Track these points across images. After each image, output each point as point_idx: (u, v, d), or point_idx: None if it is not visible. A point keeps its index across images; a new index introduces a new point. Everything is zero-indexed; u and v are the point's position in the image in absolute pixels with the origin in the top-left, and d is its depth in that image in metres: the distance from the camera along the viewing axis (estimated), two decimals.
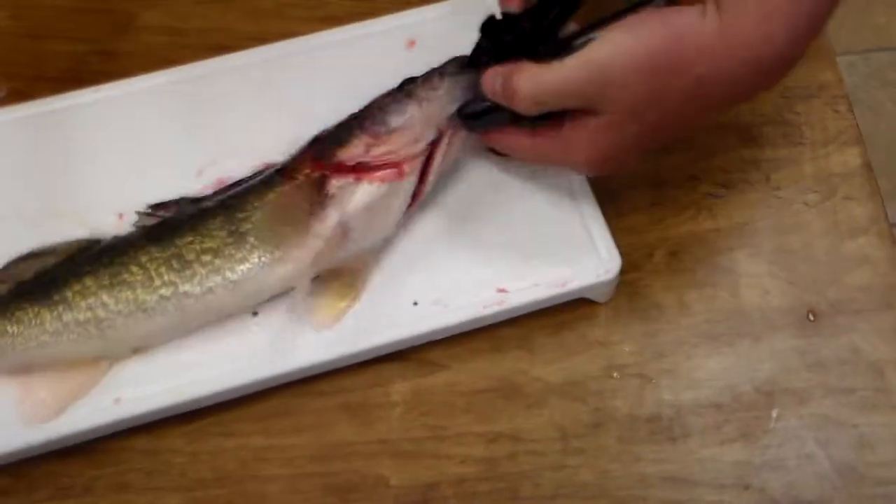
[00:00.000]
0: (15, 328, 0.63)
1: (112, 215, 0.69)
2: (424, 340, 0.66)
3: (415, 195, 0.67)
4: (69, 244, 0.67)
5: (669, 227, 0.72)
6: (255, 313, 0.66)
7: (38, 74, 0.78)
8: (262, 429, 0.65)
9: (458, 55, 0.67)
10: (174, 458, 0.64)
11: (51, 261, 0.67)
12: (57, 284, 0.64)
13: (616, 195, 0.72)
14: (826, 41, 0.79)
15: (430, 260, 0.67)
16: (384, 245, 0.68)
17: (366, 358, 0.66)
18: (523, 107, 0.62)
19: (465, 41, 0.69)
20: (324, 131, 0.69)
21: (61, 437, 0.62)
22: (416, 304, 0.66)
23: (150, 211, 0.68)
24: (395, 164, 0.66)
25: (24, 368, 0.64)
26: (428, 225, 0.69)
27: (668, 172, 0.74)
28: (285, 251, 0.65)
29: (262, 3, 0.81)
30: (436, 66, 0.68)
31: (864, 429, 0.65)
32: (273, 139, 0.69)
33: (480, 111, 0.66)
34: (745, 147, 0.75)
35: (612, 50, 0.58)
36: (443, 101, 0.66)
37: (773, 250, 0.71)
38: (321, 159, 0.67)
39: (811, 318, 0.69)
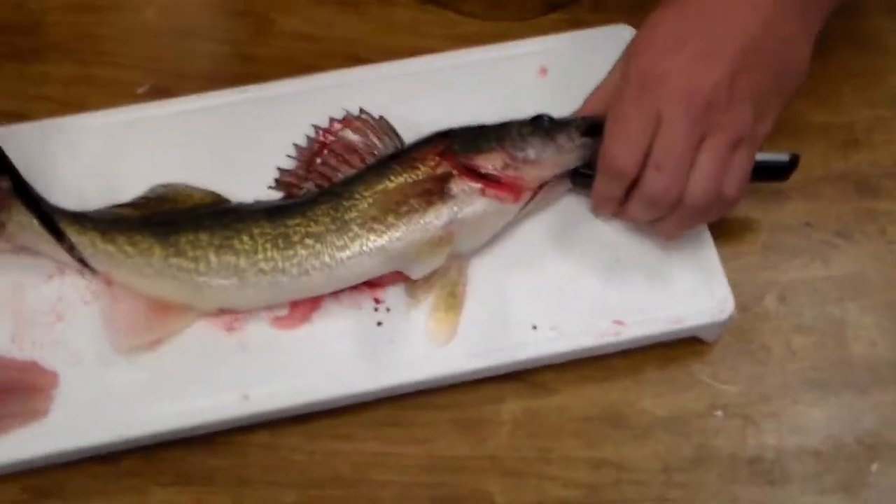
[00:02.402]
0: (130, 249, 0.68)
1: None
2: (539, 364, 0.69)
3: None
4: (204, 192, 0.72)
5: (781, 271, 0.74)
6: (379, 323, 0.68)
7: (180, 72, 0.81)
8: (375, 435, 0.68)
9: (594, 118, 0.69)
10: (292, 455, 0.68)
11: (183, 204, 0.71)
12: (176, 228, 0.69)
13: (732, 236, 0.74)
14: None
15: (550, 286, 0.70)
16: (473, 255, 0.71)
17: (482, 376, 0.68)
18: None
19: (596, 72, 0.72)
20: (453, 131, 0.72)
21: (189, 426, 0.66)
22: (535, 328, 0.68)
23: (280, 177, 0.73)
24: (517, 190, 0.69)
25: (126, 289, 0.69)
26: (551, 253, 0.71)
27: (784, 217, 0.76)
28: (388, 242, 0.68)
29: (397, 17, 0.84)
30: (574, 118, 0.71)
31: None
32: None
33: (590, 176, 0.69)
34: (863, 198, 0.77)
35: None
36: (574, 155, 0.69)
37: (884, 303, 0.73)
38: (456, 157, 0.69)
39: None
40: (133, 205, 0.72)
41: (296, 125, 0.74)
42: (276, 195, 0.73)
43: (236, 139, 0.76)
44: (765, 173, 0.68)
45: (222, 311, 0.69)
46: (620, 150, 0.64)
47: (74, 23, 0.83)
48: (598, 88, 0.72)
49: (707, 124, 0.62)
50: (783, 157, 0.70)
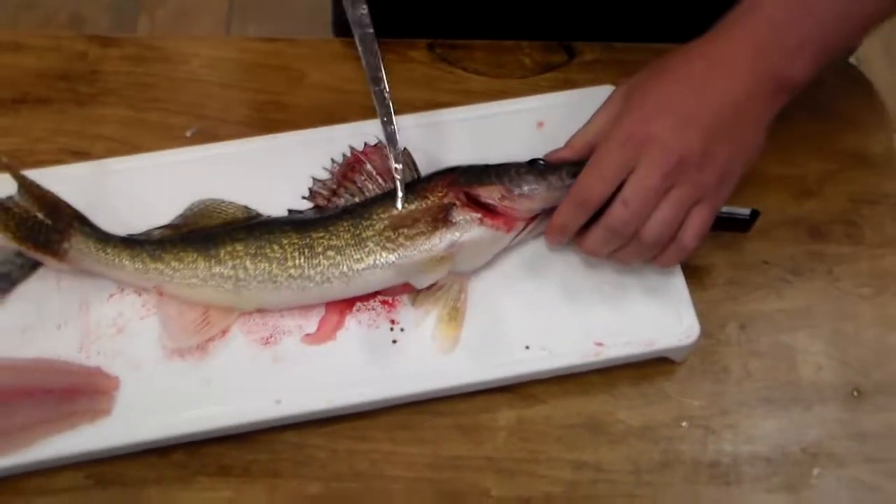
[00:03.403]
0: (176, 264, 0.79)
1: None
2: (531, 379, 0.80)
3: None
4: (236, 207, 0.83)
5: (742, 303, 0.85)
6: (394, 341, 0.79)
7: (223, 118, 0.92)
8: (388, 437, 0.79)
9: (582, 163, 0.79)
10: (317, 452, 0.78)
11: (218, 218, 0.82)
12: (215, 241, 0.80)
13: (700, 271, 0.85)
14: (893, 155, 0.91)
15: (541, 311, 0.81)
16: (473, 275, 0.82)
17: (481, 388, 0.79)
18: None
19: None
20: (459, 168, 0.84)
21: (230, 426, 0.76)
22: (527, 347, 0.79)
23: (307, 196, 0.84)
24: (510, 221, 0.80)
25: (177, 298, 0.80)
26: (542, 282, 0.82)
27: (746, 256, 0.86)
28: (398, 258, 0.79)
29: (413, 74, 0.95)
30: (564, 163, 0.81)
31: (892, 495, 0.77)
32: None
33: None
34: (814, 241, 0.87)
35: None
36: (562, 192, 0.79)
37: (830, 333, 0.84)
38: (460, 188, 0.81)
39: (856, 394, 0.81)
40: (172, 226, 0.82)
41: (320, 165, 0.85)
42: (307, 205, 0.84)
43: (266, 177, 0.86)
44: (729, 225, 0.79)
45: (259, 311, 0.80)
46: (594, 182, 0.75)
47: (129, 72, 0.94)
48: (583, 131, 0.81)
49: (676, 179, 0.73)
50: (745, 212, 0.81)
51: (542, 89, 0.94)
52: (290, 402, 0.77)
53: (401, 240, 0.79)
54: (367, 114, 0.91)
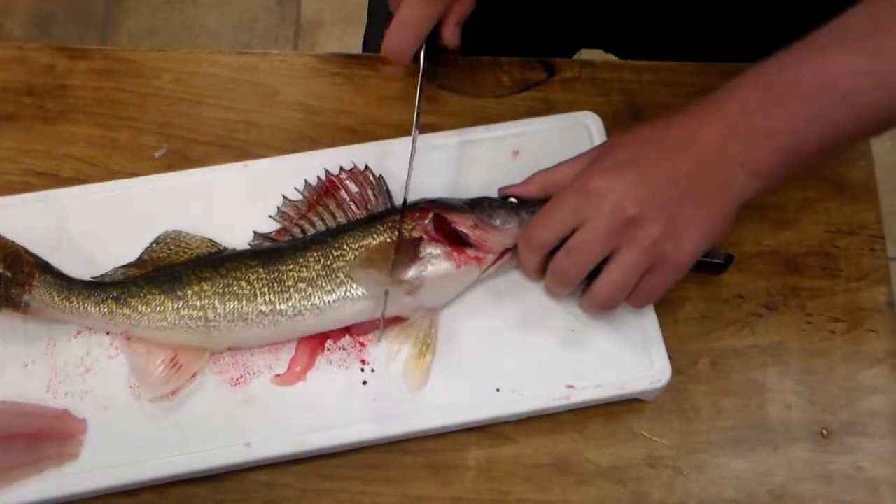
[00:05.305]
0: (143, 308, 0.78)
1: None
2: (500, 421, 0.80)
3: None
4: (201, 241, 0.82)
5: (715, 339, 0.85)
6: (364, 382, 0.79)
7: (194, 138, 0.90)
8: (358, 476, 0.79)
9: None
10: (286, 492, 0.79)
11: (183, 254, 0.81)
12: (181, 282, 0.79)
13: (674, 304, 0.85)
14: (873, 184, 0.90)
15: (511, 353, 0.80)
16: (443, 308, 0.82)
17: (452, 430, 0.79)
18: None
19: (561, 154, 0.82)
20: (431, 201, 0.83)
21: (199, 469, 0.76)
22: (498, 390, 0.79)
23: (264, 234, 0.83)
24: (479, 257, 0.80)
25: (146, 342, 0.79)
26: (514, 323, 0.82)
27: (720, 289, 0.86)
28: (368, 290, 0.79)
29: (390, 92, 0.93)
30: (536, 201, 0.80)
31: None
32: None
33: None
34: (789, 274, 0.87)
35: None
36: None
37: (800, 370, 0.84)
38: (433, 211, 0.80)
39: (824, 434, 0.82)
40: (136, 264, 0.81)
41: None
42: (273, 224, 0.83)
43: (235, 204, 0.85)
44: (702, 268, 0.79)
45: (230, 349, 0.80)
46: (541, 229, 0.76)
47: (98, 87, 0.92)
48: (547, 172, 0.81)
49: (623, 239, 0.73)
50: (719, 258, 0.80)
51: (520, 108, 0.92)
52: (259, 445, 0.77)
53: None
54: (340, 135, 0.90)
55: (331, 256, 0.79)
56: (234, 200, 0.85)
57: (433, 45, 0.83)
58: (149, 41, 2.15)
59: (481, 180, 0.86)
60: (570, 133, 0.87)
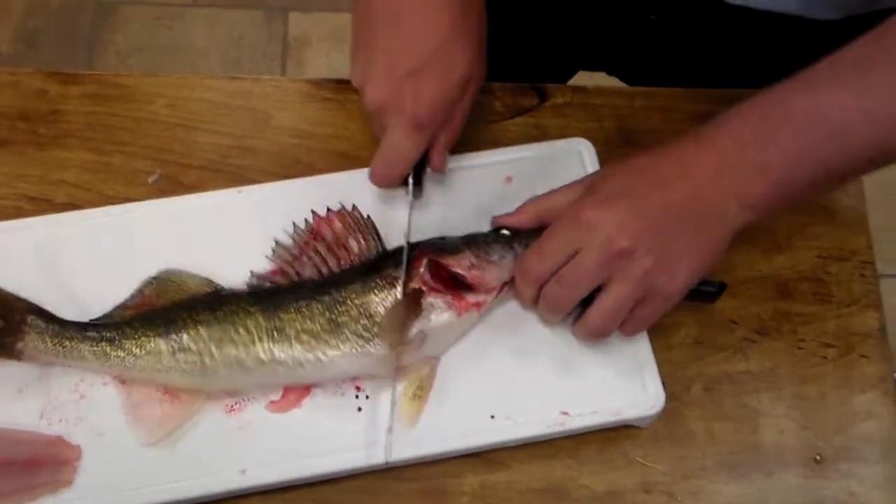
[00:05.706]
0: (139, 351, 0.78)
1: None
2: (495, 447, 0.80)
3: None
4: (198, 280, 0.81)
5: (708, 364, 0.85)
6: (359, 409, 0.79)
7: (188, 163, 0.90)
8: (352, 501, 0.79)
9: None
10: None
11: (179, 292, 0.81)
12: (177, 325, 0.78)
13: (668, 330, 0.85)
14: (863, 209, 0.91)
15: (505, 380, 0.80)
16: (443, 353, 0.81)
17: (447, 456, 0.79)
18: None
19: (554, 180, 0.82)
20: (425, 243, 0.82)
21: (193, 497, 0.76)
22: (492, 417, 0.79)
23: (260, 273, 0.82)
24: (478, 304, 0.80)
25: (140, 386, 0.79)
26: (505, 350, 0.82)
27: (713, 315, 0.86)
28: (373, 347, 0.78)
29: None
30: (531, 233, 0.81)
31: None
32: None
33: None
34: (781, 299, 0.88)
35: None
36: None
37: (793, 396, 0.84)
38: (428, 256, 0.80)
39: (817, 459, 0.82)
40: (131, 305, 0.80)
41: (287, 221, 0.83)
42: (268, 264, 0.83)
43: (228, 230, 0.85)
44: (695, 297, 0.79)
45: (229, 394, 0.79)
46: (534, 260, 0.76)
47: (91, 112, 0.92)
48: (540, 200, 0.81)
49: (614, 270, 0.73)
50: (712, 287, 0.80)
51: (512, 134, 0.92)
52: (254, 472, 0.76)
53: (375, 329, 0.78)
54: (333, 160, 0.90)
55: (336, 311, 0.78)
56: (228, 226, 0.85)
57: (420, 166, 0.83)
58: (136, 58, 2.15)
59: (474, 206, 0.86)
60: (563, 159, 0.88)
